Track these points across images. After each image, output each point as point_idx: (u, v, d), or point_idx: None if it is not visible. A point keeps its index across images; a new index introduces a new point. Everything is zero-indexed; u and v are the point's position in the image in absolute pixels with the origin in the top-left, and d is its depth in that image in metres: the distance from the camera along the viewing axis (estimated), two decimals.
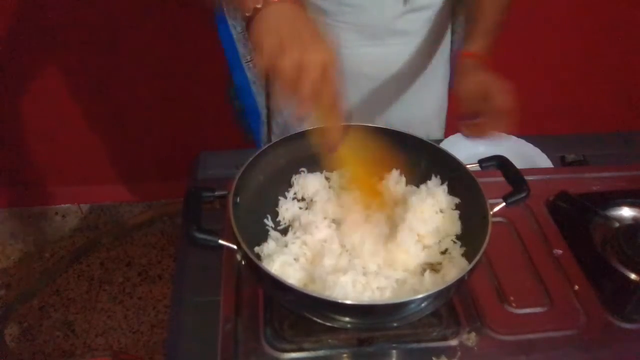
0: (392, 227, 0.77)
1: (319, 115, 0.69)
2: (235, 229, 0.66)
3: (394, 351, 0.72)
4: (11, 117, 1.84)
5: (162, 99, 1.84)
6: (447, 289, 0.64)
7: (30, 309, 1.90)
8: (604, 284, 0.79)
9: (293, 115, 0.70)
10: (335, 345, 0.72)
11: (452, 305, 0.76)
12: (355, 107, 1.10)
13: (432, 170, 0.82)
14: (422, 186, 0.81)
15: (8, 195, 2.06)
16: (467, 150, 1.04)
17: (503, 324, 0.74)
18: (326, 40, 0.68)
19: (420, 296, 0.62)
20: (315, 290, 0.68)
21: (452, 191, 0.80)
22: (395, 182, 0.82)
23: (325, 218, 0.79)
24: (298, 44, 0.65)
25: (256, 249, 0.74)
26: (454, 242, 0.76)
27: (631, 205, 0.90)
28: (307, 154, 0.81)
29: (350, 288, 0.67)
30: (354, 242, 0.75)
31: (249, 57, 1.03)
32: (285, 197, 0.82)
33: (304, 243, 0.75)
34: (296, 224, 0.79)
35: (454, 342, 0.72)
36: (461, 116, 1.03)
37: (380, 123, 0.86)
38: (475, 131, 1.03)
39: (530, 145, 1.08)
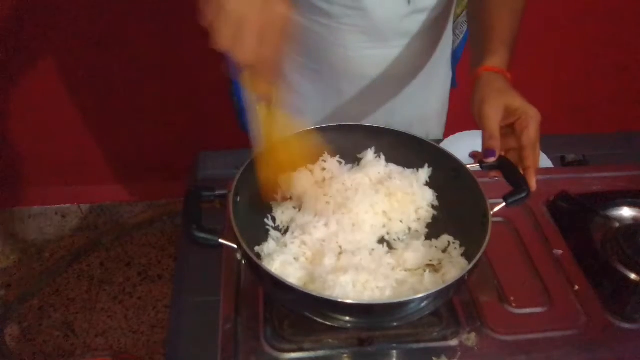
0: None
1: (251, 74, 0.65)
2: (236, 228, 0.66)
3: (394, 351, 0.72)
4: (11, 117, 1.84)
5: (162, 99, 1.84)
6: (447, 289, 0.64)
7: (30, 309, 1.90)
8: (604, 284, 0.80)
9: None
10: (335, 345, 0.72)
11: (452, 305, 0.76)
12: (357, 107, 1.10)
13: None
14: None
15: (8, 195, 2.06)
16: (467, 150, 1.04)
17: (503, 324, 0.74)
18: None
19: (420, 296, 0.63)
20: (315, 289, 0.68)
21: (452, 191, 0.80)
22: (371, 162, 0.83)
23: (315, 215, 0.78)
24: None
25: (256, 248, 0.74)
26: (453, 243, 0.76)
27: (631, 205, 0.90)
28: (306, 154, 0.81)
29: (351, 288, 0.67)
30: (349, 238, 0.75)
31: None
32: (277, 200, 0.81)
33: (303, 243, 0.75)
34: (293, 225, 0.79)
35: (454, 342, 0.72)
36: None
37: (381, 123, 0.86)
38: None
39: None
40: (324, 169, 0.83)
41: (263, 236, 0.77)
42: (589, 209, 0.88)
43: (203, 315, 0.76)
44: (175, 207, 2.13)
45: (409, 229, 0.80)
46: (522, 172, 0.75)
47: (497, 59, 0.83)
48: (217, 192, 0.74)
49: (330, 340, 0.72)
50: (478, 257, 0.65)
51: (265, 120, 0.71)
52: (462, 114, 1.30)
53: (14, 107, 1.82)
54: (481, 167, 0.79)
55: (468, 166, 0.78)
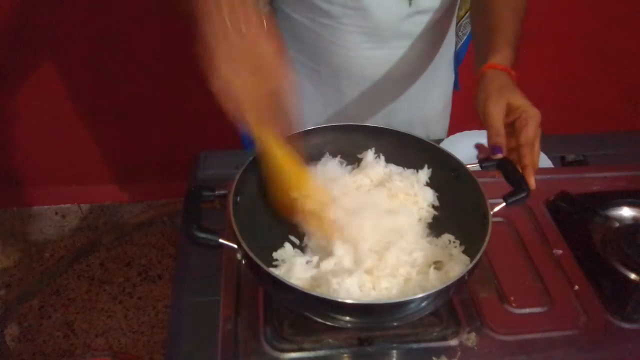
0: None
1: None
2: (236, 228, 0.66)
3: (394, 351, 0.72)
4: (11, 117, 1.84)
5: (162, 98, 1.84)
6: (447, 289, 0.64)
7: (30, 309, 1.90)
8: (604, 284, 0.80)
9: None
10: (335, 345, 0.72)
11: (452, 305, 0.76)
12: (358, 108, 1.10)
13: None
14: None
15: (8, 196, 2.06)
16: (467, 150, 1.04)
17: (503, 324, 0.74)
18: (284, 63, 0.69)
19: (420, 295, 0.63)
20: (321, 291, 0.67)
21: (452, 191, 0.80)
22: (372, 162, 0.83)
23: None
24: (252, 68, 0.66)
25: (274, 254, 0.75)
26: (453, 242, 0.76)
27: (631, 205, 0.90)
28: (307, 154, 0.81)
29: (356, 288, 0.67)
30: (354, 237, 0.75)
31: None
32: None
33: (309, 245, 0.76)
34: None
35: (454, 342, 0.72)
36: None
37: (381, 124, 0.86)
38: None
39: None
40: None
41: (262, 236, 0.77)
42: (589, 209, 0.88)
43: (203, 315, 0.76)
44: (175, 207, 2.13)
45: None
46: (520, 170, 0.75)
47: (501, 57, 0.83)
48: (217, 192, 0.74)
49: (330, 340, 0.72)
50: (478, 257, 0.65)
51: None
52: (462, 114, 1.30)
53: (14, 107, 1.82)
54: (481, 167, 0.79)
55: (468, 166, 0.78)
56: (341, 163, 0.85)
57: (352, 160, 0.86)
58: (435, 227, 0.80)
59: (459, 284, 0.66)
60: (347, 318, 0.67)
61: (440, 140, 1.08)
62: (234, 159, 0.84)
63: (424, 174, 0.82)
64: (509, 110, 0.77)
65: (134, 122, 1.91)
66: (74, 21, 1.64)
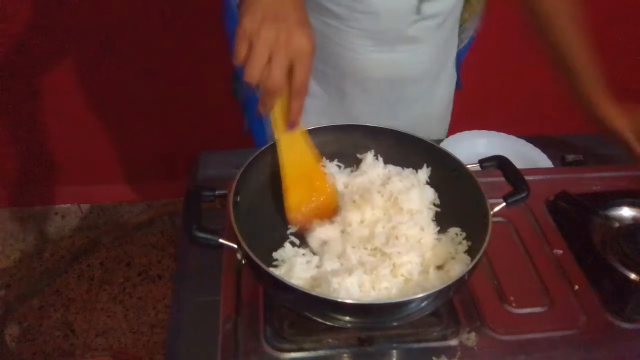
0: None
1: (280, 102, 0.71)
2: (236, 228, 0.66)
3: (394, 351, 0.72)
4: (11, 117, 1.84)
5: (162, 98, 1.84)
6: (447, 288, 0.64)
7: (30, 309, 1.90)
8: (604, 284, 0.79)
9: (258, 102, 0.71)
10: (335, 345, 0.72)
11: (452, 305, 0.76)
12: (359, 108, 1.10)
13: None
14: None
15: (8, 195, 2.06)
16: (467, 150, 1.04)
17: (503, 324, 0.74)
18: (309, 27, 0.69)
19: (420, 295, 0.62)
20: (321, 291, 0.68)
21: (452, 191, 0.80)
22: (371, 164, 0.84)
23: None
24: (278, 25, 0.65)
25: (274, 254, 0.75)
26: (458, 235, 0.76)
27: (631, 205, 0.90)
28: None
29: (356, 288, 0.68)
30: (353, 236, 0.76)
31: None
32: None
33: (309, 244, 0.76)
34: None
35: (454, 342, 0.72)
36: None
37: (384, 124, 0.86)
38: None
39: (530, 145, 1.08)
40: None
41: (263, 236, 0.77)
42: (589, 209, 0.88)
43: (203, 315, 0.76)
44: (175, 207, 2.14)
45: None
46: None
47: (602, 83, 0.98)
48: (217, 192, 0.74)
49: (330, 340, 0.72)
50: (478, 257, 0.65)
51: (288, 148, 0.76)
52: (462, 114, 1.30)
53: (14, 107, 1.82)
54: (481, 167, 0.79)
55: (468, 166, 0.78)
56: (339, 167, 0.85)
57: (352, 160, 0.86)
58: (439, 225, 0.80)
59: (459, 284, 0.66)
60: (347, 318, 0.67)
61: (440, 140, 1.08)
62: (234, 159, 0.84)
63: (424, 173, 0.82)
64: None
65: (134, 122, 1.91)
66: (74, 21, 1.64)
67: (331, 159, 0.85)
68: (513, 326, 0.74)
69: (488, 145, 1.09)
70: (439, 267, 0.74)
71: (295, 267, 0.71)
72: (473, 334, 0.73)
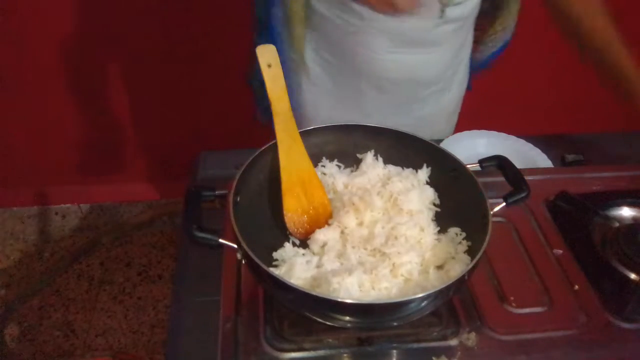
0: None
1: None
2: (236, 228, 0.66)
3: (394, 351, 0.72)
4: (11, 117, 1.84)
5: (162, 99, 1.84)
6: (447, 288, 0.64)
7: (30, 309, 1.90)
8: (604, 284, 0.79)
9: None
10: (335, 345, 0.72)
11: (452, 305, 0.76)
12: (371, 106, 1.11)
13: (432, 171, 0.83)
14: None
15: (8, 195, 2.06)
16: (467, 150, 1.04)
17: (503, 324, 0.74)
18: None
19: (420, 295, 0.63)
20: (321, 291, 0.68)
21: (452, 191, 0.80)
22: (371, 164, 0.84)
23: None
24: None
25: (274, 254, 0.75)
26: (458, 235, 0.76)
27: (631, 205, 0.90)
28: (308, 153, 0.81)
29: (356, 288, 0.68)
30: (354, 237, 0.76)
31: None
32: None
33: (309, 245, 0.76)
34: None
35: (454, 342, 0.72)
36: None
37: (391, 122, 0.86)
38: None
39: (530, 145, 1.08)
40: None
41: (263, 236, 0.77)
42: (589, 209, 0.88)
43: (203, 315, 0.76)
44: (175, 207, 2.14)
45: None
46: None
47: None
48: (217, 192, 0.75)
49: (330, 340, 0.72)
50: (478, 257, 0.65)
51: (285, 154, 0.78)
52: (463, 114, 1.30)
53: (14, 107, 1.82)
54: (481, 167, 0.79)
55: (468, 166, 0.78)
56: (339, 167, 0.85)
57: (352, 160, 0.86)
58: (438, 225, 0.80)
59: (459, 284, 0.66)
60: (347, 318, 0.67)
61: (440, 140, 1.08)
62: (234, 159, 0.84)
63: (424, 173, 0.83)
64: None
65: (134, 122, 1.91)
66: (73, 20, 1.64)
67: (331, 159, 0.85)
68: (513, 326, 0.74)
69: (488, 145, 1.09)
70: (439, 267, 0.74)
71: (295, 267, 0.71)
72: (473, 334, 0.73)
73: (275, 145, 0.79)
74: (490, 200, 0.72)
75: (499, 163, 0.79)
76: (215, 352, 0.70)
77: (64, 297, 1.94)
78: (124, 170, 2.06)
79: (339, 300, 0.64)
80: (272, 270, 0.67)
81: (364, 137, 0.85)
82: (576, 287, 0.79)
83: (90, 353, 1.74)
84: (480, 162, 0.79)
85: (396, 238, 0.74)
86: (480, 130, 1.12)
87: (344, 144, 0.85)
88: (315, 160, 0.83)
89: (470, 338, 0.72)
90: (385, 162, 0.84)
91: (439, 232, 0.78)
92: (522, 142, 1.09)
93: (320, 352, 0.71)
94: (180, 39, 1.69)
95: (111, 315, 1.88)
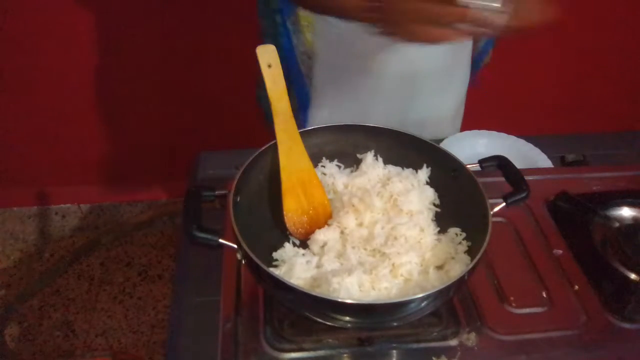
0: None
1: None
2: (236, 228, 0.66)
3: (394, 351, 0.72)
4: (11, 117, 1.84)
5: (162, 99, 1.84)
6: (447, 289, 0.64)
7: (30, 309, 1.90)
8: (604, 284, 0.79)
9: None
10: (335, 345, 0.72)
11: (452, 305, 0.76)
12: (371, 104, 1.10)
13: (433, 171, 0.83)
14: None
15: (8, 195, 2.06)
16: (467, 150, 1.04)
17: (503, 324, 0.74)
18: None
19: (420, 295, 0.62)
20: (321, 291, 0.68)
21: (452, 191, 0.80)
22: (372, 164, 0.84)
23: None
24: None
25: (274, 254, 0.75)
26: (458, 235, 0.76)
27: (631, 205, 0.90)
28: (308, 154, 0.81)
29: (356, 288, 0.68)
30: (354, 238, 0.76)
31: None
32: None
33: (309, 245, 0.76)
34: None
35: (454, 342, 0.72)
36: None
37: (393, 122, 0.86)
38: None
39: (530, 145, 1.08)
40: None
41: (263, 236, 0.77)
42: (589, 209, 0.88)
43: (203, 315, 0.76)
44: (175, 207, 2.14)
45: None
46: None
47: None
48: (217, 192, 0.75)
49: (330, 340, 0.72)
50: (478, 257, 0.65)
51: (285, 154, 0.78)
52: (463, 114, 1.30)
53: (14, 107, 1.82)
54: (481, 167, 0.79)
55: (468, 166, 0.78)
56: (339, 167, 0.85)
57: (352, 160, 0.86)
58: (438, 225, 0.80)
59: (459, 284, 0.66)
60: (347, 318, 0.67)
61: (440, 140, 1.08)
62: (234, 159, 0.84)
63: (424, 173, 0.83)
64: None
65: (134, 122, 1.91)
66: (74, 20, 1.64)
67: (331, 159, 0.85)
68: (513, 326, 0.74)
69: (488, 145, 1.09)
70: (439, 267, 0.74)
71: (295, 267, 0.71)
72: (473, 334, 0.73)
73: (275, 146, 0.79)
74: (490, 200, 0.72)
75: (499, 163, 0.79)
76: (215, 352, 0.70)
77: (64, 297, 1.94)
78: (124, 170, 2.06)
79: (339, 300, 0.64)
80: (272, 270, 0.67)
81: (364, 137, 0.85)
82: (576, 287, 0.79)
83: (90, 353, 1.74)
84: (481, 162, 0.79)
85: (396, 238, 0.74)
86: (481, 130, 1.12)
87: (343, 144, 0.85)
88: (315, 160, 0.83)
89: (470, 338, 0.73)
90: (385, 162, 0.84)
91: (439, 232, 0.78)
92: (522, 142, 1.09)
93: (320, 352, 0.71)
94: (180, 39, 1.69)
95: (111, 315, 1.88)
